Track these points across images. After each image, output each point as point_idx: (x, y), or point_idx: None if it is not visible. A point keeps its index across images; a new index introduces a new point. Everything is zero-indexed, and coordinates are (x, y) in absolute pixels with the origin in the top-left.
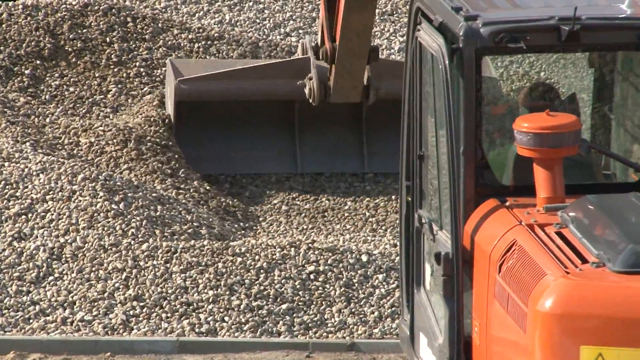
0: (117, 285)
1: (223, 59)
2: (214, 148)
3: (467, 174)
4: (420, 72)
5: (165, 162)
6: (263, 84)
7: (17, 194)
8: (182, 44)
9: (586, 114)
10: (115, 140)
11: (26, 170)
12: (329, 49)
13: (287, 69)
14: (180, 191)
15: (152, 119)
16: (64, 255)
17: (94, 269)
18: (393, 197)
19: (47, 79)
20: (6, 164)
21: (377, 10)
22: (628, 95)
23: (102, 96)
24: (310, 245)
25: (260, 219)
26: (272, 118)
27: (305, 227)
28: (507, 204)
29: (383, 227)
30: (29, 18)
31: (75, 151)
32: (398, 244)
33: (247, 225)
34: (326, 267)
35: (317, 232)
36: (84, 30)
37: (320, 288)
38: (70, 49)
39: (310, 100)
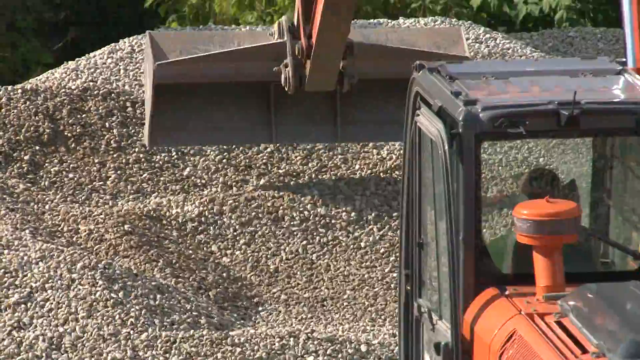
0: None
1: (202, 31)
2: (190, 122)
3: (466, 262)
4: (419, 158)
5: (165, 250)
6: (241, 66)
7: (17, 282)
8: None
9: (585, 200)
10: (114, 228)
11: (25, 258)
12: (305, 45)
13: (265, 52)
14: (180, 280)
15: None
16: (63, 345)
17: (93, 359)
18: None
19: (47, 164)
20: (5, 251)
21: None
22: (627, 182)
23: (101, 182)
24: (309, 335)
25: (260, 308)
26: (248, 95)
27: (304, 316)
28: (507, 292)
29: (382, 317)
30: (28, 102)
31: (74, 238)
32: (397, 333)
33: (246, 314)
34: (325, 357)
35: (316, 322)
36: (83, 115)
37: None
38: (69, 134)
39: (286, 89)
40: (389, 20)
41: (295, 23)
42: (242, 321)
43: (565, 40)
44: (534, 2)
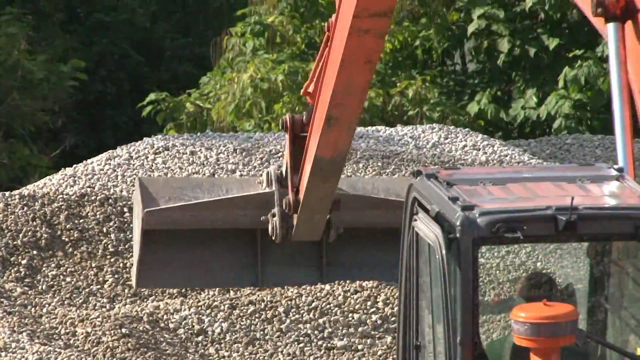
0: None
1: (191, 177)
2: (177, 263)
3: None
4: (416, 262)
5: (162, 352)
6: (229, 214)
7: None
8: None
9: (583, 303)
10: (112, 331)
11: None
12: (292, 201)
13: (253, 201)
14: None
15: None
16: None
17: None
18: None
19: (44, 269)
20: (3, 354)
21: None
22: (624, 285)
23: (98, 286)
24: None
25: None
26: (236, 241)
27: None
28: None
29: None
30: (25, 208)
31: (72, 341)
32: None
33: None
34: None
35: None
36: (81, 220)
37: None
38: (67, 239)
39: (273, 238)
40: (387, 127)
41: (284, 173)
42: None
43: (562, 147)
44: (531, 107)
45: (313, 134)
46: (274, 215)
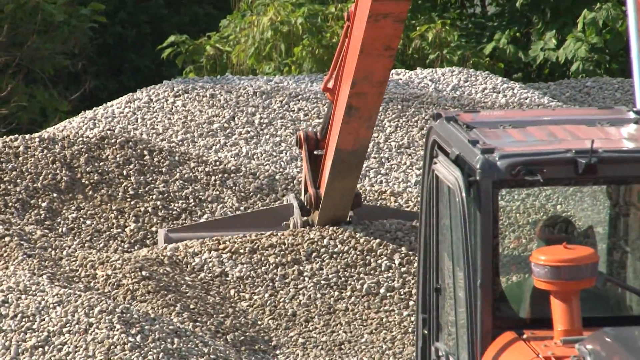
0: None
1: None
2: None
3: (484, 307)
4: (436, 205)
5: (182, 294)
6: (249, 231)
7: (34, 326)
8: (198, 177)
9: (603, 246)
10: (132, 274)
11: (43, 303)
12: (313, 196)
13: (272, 216)
14: (197, 324)
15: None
16: None
17: None
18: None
19: (64, 211)
20: (23, 296)
21: (394, 143)
22: None
23: (119, 229)
24: None
25: (277, 351)
26: None
27: (322, 359)
28: (525, 336)
29: (400, 359)
30: (45, 151)
31: (92, 284)
32: None
33: (263, 357)
34: None
35: None
36: (101, 163)
37: None
38: (87, 182)
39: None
40: (407, 71)
41: (303, 193)
42: None
43: (582, 90)
44: (551, 49)
45: (334, 126)
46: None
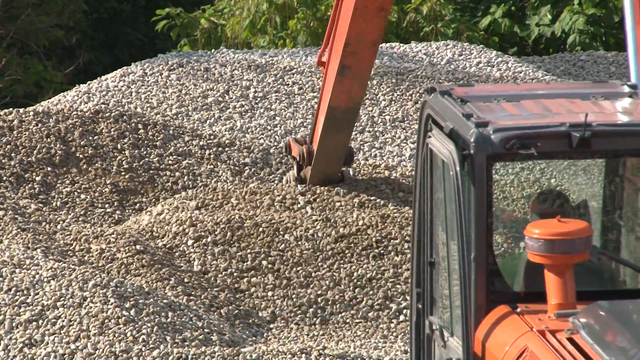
0: None
1: None
2: None
3: (478, 281)
4: (430, 179)
5: (176, 268)
6: None
7: (28, 300)
8: (193, 151)
9: (597, 220)
10: (126, 248)
11: (37, 276)
12: (306, 151)
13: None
14: (191, 297)
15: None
16: None
17: None
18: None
19: (58, 185)
20: (17, 270)
21: (388, 117)
22: (638, 202)
23: (113, 203)
24: (321, 351)
25: (272, 324)
26: None
27: (316, 333)
28: (519, 310)
29: (394, 334)
30: (40, 125)
31: (86, 258)
32: (409, 350)
33: (258, 331)
34: None
35: (328, 339)
36: (95, 137)
37: None
38: (81, 156)
39: (288, 186)
40: (401, 44)
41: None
42: (254, 338)
43: (577, 63)
44: (545, 24)
45: (327, 83)
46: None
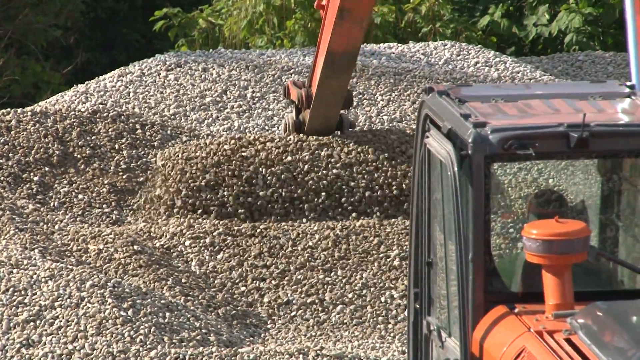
0: None
1: None
2: None
3: (475, 281)
4: (428, 179)
5: (174, 269)
6: None
7: (26, 300)
8: None
9: (595, 220)
10: (123, 248)
11: (34, 277)
12: (305, 95)
13: None
14: (189, 298)
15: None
16: None
17: None
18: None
19: (56, 185)
20: (14, 270)
21: (386, 117)
22: (635, 202)
23: (111, 203)
24: (318, 352)
25: (269, 325)
26: None
27: (313, 333)
28: (516, 310)
29: (391, 334)
30: (37, 125)
31: (83, 258)
32: (406, 351)
33: (255, 331)
34: None
35: (325, 339)
36: (93, 137)
37: None
38: (79, 156)
39: (285, 134)
40: (399, 44)
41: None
42: (251, 338)
43: (574, 63)
44: (543, 24)
45: (326, 27)
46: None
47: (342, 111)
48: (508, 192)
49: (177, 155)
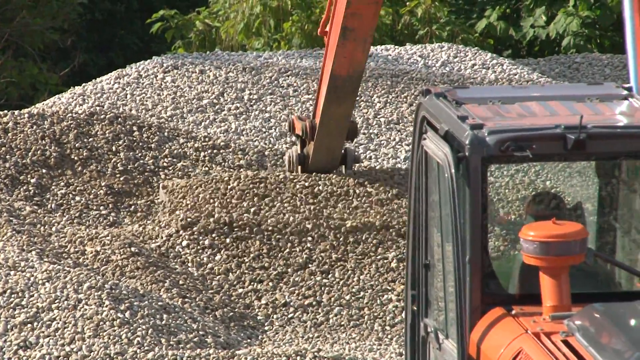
0: None
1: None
2: None
3: (473, 283)
4: (426, 181)
5: (171, 271)
6: None
7: (23, 302)
8: (187, 153)
9: (592, 222)
10: (121, 250)
11: (32, 279)
12: (309, 126)
13: None
14: (186, 300)
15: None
16: None
17: None
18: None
19: (53, 187)
20: (12, 272)
21: (383, 119)
22: (633, 204)
23: (108, 205)
24: (315, 354)
25: (267, 327)
26: None
27: (311, 335)
28: (513, 312)
29: (389, 336)
30: (34, 127)
31: (81, 260)
32: (404, 352)
33: (252, 333)
34: None
35: (322, 341)
36: (90, 139)
37: None
38: (76, 158)
39: (288, 170)
40: (396, 47)
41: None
42: (248, 340)
43: (571, 66)
44: (540, 26)
45: (329, 51)
46: (294, 144)
47: (346, 145)
48: (506, 193)
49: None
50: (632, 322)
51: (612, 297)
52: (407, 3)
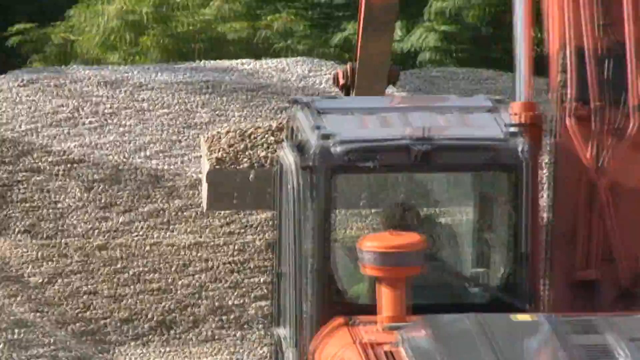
0: None
1: None
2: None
3: (314, 292)
4: (280, 190)
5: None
6: None
7: None
8: (43, 167)
9: (444, 233)
10: None
11: None
12: (349, 69)
13: None
14: (38, 314)
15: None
16: None
17: None
18: None
19: None
20: None
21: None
22: (486, 214)
23: None
24: None
25: (121, 342)
26: None
27: (162, 349)
28: (352, 322)
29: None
30: None
31: None
32: None
33: (105, 348)
34: None
35: (174, 356)
36: None
37: None
38: None
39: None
40: (253, 60)
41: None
42: (101, 355)
43: (427, 79)
44: (396, 40)
45: None
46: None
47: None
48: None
49: None
50: (455, 334)
51: (453, 308)
52: (264, 17)
